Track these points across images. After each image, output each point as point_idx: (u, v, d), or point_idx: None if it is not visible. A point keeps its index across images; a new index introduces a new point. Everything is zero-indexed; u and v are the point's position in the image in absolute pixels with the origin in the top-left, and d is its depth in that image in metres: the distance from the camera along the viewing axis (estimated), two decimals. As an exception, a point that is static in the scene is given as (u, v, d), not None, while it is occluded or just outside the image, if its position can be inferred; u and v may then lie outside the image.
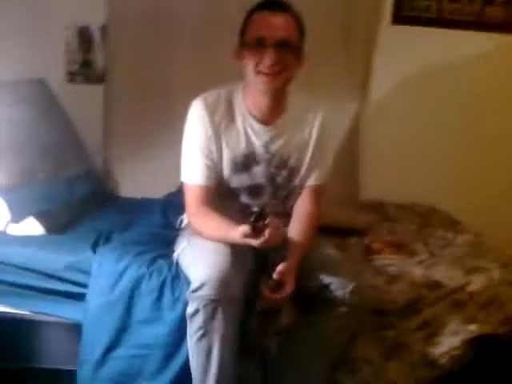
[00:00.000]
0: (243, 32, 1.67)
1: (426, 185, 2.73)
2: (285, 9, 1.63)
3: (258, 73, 1.62)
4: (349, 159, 2.68)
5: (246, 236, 1.52)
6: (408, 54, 2.63)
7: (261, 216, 1.49)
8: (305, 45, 1.69)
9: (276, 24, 1.61)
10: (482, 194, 2.76)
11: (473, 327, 1.75)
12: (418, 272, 1.89)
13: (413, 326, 1.76)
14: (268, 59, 1.59)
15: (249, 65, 1.63)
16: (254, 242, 1.51)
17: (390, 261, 1.98)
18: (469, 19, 2.63)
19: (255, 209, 1.73)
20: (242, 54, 1.65)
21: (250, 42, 1.63)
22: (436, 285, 1.82)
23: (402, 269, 1.91)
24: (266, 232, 1.49)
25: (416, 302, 1.78)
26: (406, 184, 2.72)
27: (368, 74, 2.65)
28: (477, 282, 1.84)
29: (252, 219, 1.49)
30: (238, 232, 1.53)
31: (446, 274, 1.87)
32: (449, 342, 1.73)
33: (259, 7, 1.64)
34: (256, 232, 1.50)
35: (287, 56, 1.62)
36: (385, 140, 2.73)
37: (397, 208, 2.65)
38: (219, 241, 1.61)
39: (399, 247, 2.11)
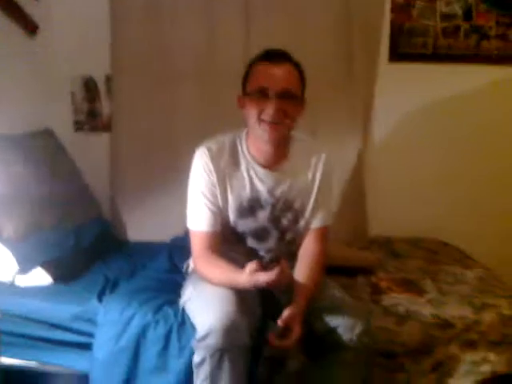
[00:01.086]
0: (245, 82, 1.70)
1: (434, 219, 2.73)
2: (285, 59, 1.66)
3: (261, 122, 1.65)
4: (356, 197, 2.69)
5: (254, 271, 1.51)
6: (407, 90, 2.66)
7: (274, 262, 1.51)
8: (305, 92, 1.71)
9: (277, 75, 1.64)
10: (492, 226, 2.75)
11: (485, 367, 1.72)
12: (427, 311, 1.86)
13: (425, 367, 1.73)
14: (270, 109, 1.62)
15: (251, 114, 1.66)
16: (262, 277, 1.50)
17: (398, 300, 1.95)
18: (465, 53, 2.67)
19: (262, 253, 1.76)
20: (245, 103, 1.69)
21: (252, 92, 1.66)
22: (446, 324, 1.79)
23: (411, 308, 1.88)
24: (276, 269, 1.48)
25: (427, 343, 1.75)
26: (415, 218, 2.72)
27: (369, 112, 2.68)
28: (487, 320, 1.81)
29: (264, 263, 1.51)
30: (244, 274, 1.53)
31: (456, 313, 1.84)
32: (462, 384, 1.70)
33: (260, 58, 1.68)
34: (265, 270, 1.50)
35: (288, 105, 1.64)
36: (390, 176, 2.74)
37: (405, 243, 2.64)
38: (225, 286, 1.60)
39: (407, 285, 2.09)
